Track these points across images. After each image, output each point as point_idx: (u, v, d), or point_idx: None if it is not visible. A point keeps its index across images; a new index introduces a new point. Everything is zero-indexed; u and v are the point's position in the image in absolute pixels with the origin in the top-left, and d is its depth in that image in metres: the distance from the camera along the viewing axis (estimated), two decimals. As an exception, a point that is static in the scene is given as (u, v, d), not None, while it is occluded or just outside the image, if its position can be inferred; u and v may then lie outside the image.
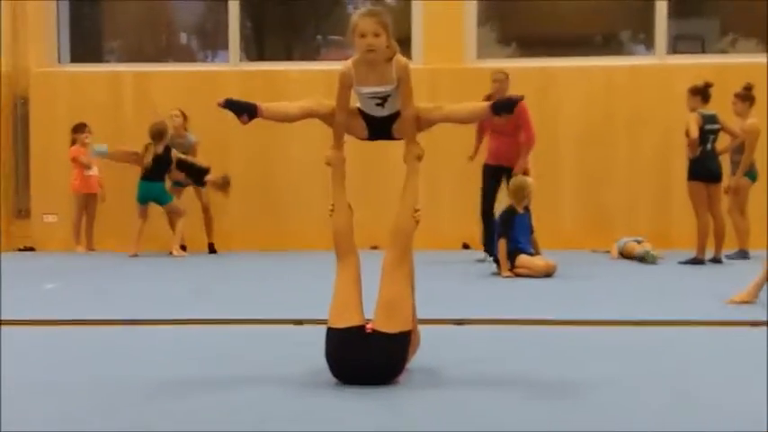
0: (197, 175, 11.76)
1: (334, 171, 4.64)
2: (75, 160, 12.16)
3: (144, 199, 11.68)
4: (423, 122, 4.66)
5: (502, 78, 10.14)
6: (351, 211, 4.59)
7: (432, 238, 10.42)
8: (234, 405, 3.95)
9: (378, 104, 4.56)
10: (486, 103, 4.71)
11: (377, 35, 4.36)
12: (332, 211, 4.57)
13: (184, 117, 12.07)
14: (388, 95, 4.54)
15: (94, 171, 12.26)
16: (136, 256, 11.35)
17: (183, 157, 11.75)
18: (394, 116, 4.61)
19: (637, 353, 5.15)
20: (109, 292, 8.15)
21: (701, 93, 10.13)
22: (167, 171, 11.68)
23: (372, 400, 4.01)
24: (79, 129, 12.18)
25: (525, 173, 9.87)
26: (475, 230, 10.30)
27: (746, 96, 10.43)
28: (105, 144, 11.80)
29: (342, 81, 4.54)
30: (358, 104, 4.65)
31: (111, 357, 5.11)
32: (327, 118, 4.66)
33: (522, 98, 4.60)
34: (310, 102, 4.72)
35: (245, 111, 4.61)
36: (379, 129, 4.65)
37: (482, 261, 10.07)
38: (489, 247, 9.95)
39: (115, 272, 9.95)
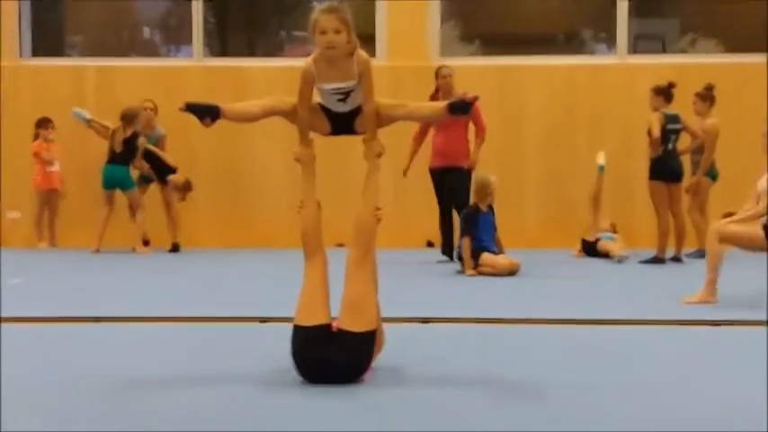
0: (161, 170, 11.73)
1: (303, 168, 4.65)
2: (37, 155, 12.09)
3: (109, 183, 11.62)
4: (383, 119, 4.70)
5: (446, 74, 10.20)
6: (319, 208, 4.61)
7: (396, 237, 10.50)
8: (198, 404, 3.96)
9: (340, 100, 4.58)
10: (444, 103, 4.73)
11: (337, 32, 4.37)
12: (300, 208, 4.59)
13: (155, 109, 12.03)
14: (351, 91, 4.56)
15: (56, 167, 12.19)
16: (98, 251, 11.31)
17: (151, 148, 11.72)
18: (356, 111, 4.64)
19: (597, 352, 5.21)
20: (71, 288, 8.11)
21: (664, 92, 10.25)
22: (132, 156, 11.63)
23: (338, 399, 4.04)
24: (42, 124, 12.11)
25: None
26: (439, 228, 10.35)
27: (707, 96, 10.56)
28: (86, 110, 11.80)
29: (304, 78, 4.55)
30: (319, 100, 4.67)
31: (75, 355, 5.10)
32: (290, 115, 4.68)
33: (476, 98, 4.63)
34: (272, 100, 4.73)
35: (207, 113, 4.57)
36: (342, 124, 4.68)
37: (442, 262, 10.11)
38: (447, 249, 10.12)
39: (76, 268, 9.91)
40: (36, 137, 12.15)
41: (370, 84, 4.57)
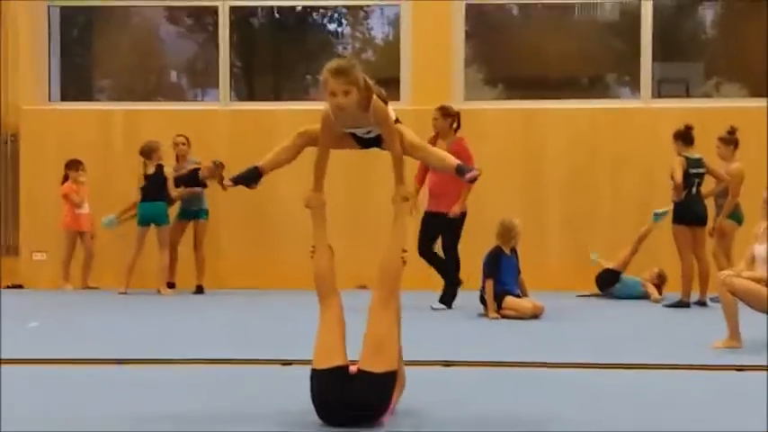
0: (192, 179, 11.82)
1: (314, 213, 4.73)
2: (66, 197, 12.20)
3: (144, 220, 11.70)
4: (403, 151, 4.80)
5: (434, 116, 10.10)
6: (331, 252, 4.66)
7: (420, 279, 10.50)
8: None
9: (364, 134, 4.71)
10: (455, 162, 4.81)
11: (347, 93, 4.45)
12: (312, 253, 4.63)
13: (187, 143, 12.16)
14: (370, 130, 4.68)
15: (86, 209, 12.27)
16: (125, 293, 11.37)
17: (174, 172, 11.84)
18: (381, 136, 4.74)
19: (623, 396, 5.21)
20: (92, 330, 8.17)
21: (683, 136, 10.28)
22: (165, 190, 11.73)
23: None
24: (72, 165, 12.21)
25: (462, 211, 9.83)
26: (464, 270, 10.30)
27: (730, 140, 10.56)
28: (111, 214, 11.93)
29: (324, 122, 4.64)
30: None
31: (95, 396, 5.14)
32: (316, 140, 4.76)
33: (477, 176, 4.72)
34: (295, 137, 4.82)
35: (251, 179, 4.76)
36: (370, 142, 4.80)
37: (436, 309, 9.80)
38: (449, 290, 9.90)
39: (100, 310, 9.96)
40: (66, 178, 12.27)
41: (390, 130, 4.65)
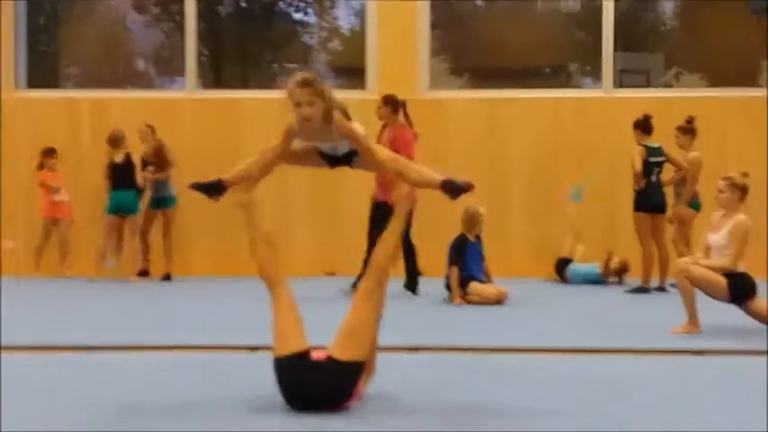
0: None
1: (247, 212, 4.74)
2: (42, 184, 12.15)
3: (116, 208, 11.73)
4: (376, 167, 4.92)
5: (378, 105, 10.03)
6: (271, 242, 4.71)
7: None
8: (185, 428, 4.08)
9: (330, 150, 4.80)
10: (437, 178, 4.85)
11: (311, 104, 4.54)
12: (252, 249, 4.69)
13: (153, 131, 12.20)
14: (336, 146, 4.78)
15: (64, 196, 12.22)
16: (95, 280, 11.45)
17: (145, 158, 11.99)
18: (351, 153, 4.82)
19: (584, 381, 5.33)
20: (61, 317, 8.23)
21: (642, 126, 10.49)
22: (133, 178, 11.77)
23: (322, 426, 4.15)
24: (48, 153, 12.21)
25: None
26: (428, 257, 10.44)
27: (688, 129, 10.75)
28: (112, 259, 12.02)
29: (287, 134, 4.73)
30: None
31: (65, 383, 5.21)
32: (281, 156, 4.84)
33: (471, 187, 4.80)
34: (265, 151, 4.87)
35: (213, 191, 4.84)
36: (338, 160, 4.89)
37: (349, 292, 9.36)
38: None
39: (69, 297, 10.01)
40: (41, 166, 12.25)
41: (361, 141, 4.76)
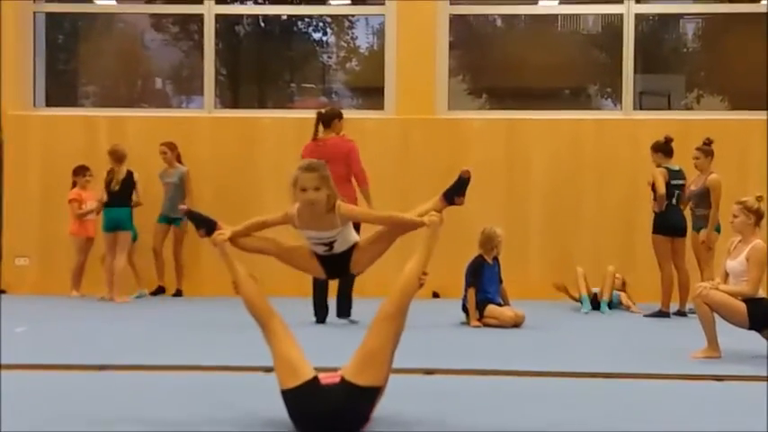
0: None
1: (222, 252, 4.78)
2: (74, 203, 12.04)
3: (112, 225, 11.63)
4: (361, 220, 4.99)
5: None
6: (254, 278, 4.71)
7: (380, 285, 10.52)
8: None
9: (325, 247, 4.76)
10: (436, 199, 4.88)
11: (317, 189, 4.58)
12: (236, 287, 4.67)
13: (171, 150, 12.19)
14: (334, 241, 4.75)
15: (92, 216, 12.13)
16: (110, 299, 11.39)
17: (162, 178, 12.05)
18: (349, 251, 4.80)
19: (603, 405, 5.27)
20: (73, 336, 8.19)
21: (662, 148, 10.40)
22: (130, 195, 11.75)
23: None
24: (80, 171, 12.15)
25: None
26: (445, 278, 10.35)
27: (707, 151, 10.64)
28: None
29: (284, 219, 4.79)
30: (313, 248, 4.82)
31: (78, 401, 5.17)
32: (280, 223, 4.87)
33: (466, 173, 4.89)
34: (277, 214, 4.90)
35: (203, 225, 4.82)
36: (336, 266, 4.85)
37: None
38: (319, 310, 9.17)
39: (81, 315, 9.98)
40: (74, 185, 12.19)
41: (368, 213, 4.86)
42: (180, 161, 12.28)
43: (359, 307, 8.88)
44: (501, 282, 9.57)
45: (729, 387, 5.95)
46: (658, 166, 10.35)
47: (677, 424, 4.76)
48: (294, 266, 4.90)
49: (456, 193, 4.78)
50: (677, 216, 10.37)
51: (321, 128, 9.18)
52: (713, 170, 10.60)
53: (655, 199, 10.32)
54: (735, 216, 7.36)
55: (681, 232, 10.41)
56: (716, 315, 7.05)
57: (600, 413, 5.01)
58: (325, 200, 4.60)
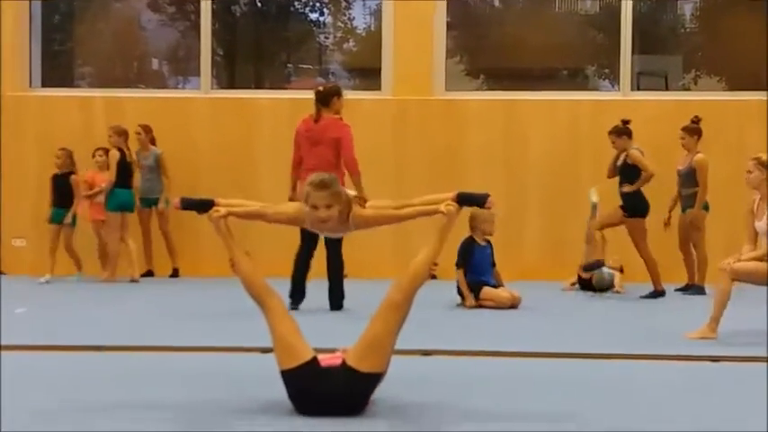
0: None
1: (218, 229, 4.74)
2: (84, 183, 11.86)
3: (120, 206, 11.65)
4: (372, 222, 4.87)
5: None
6: (250, 256, 4.71)
7: (400, 267, 10.54)
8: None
9: (333, 236, 4.85)
10: (449, 195, 4.78)
11: (328, 206, 4.56)
12: (233, 265, 4.64)
13: (146, 132, 12.17)
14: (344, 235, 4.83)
15: (100, 198, 11.96)
16: (114, 281, 11.43)
17: (137, 160, 12.01)
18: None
19: (600, 386, 5.27)
20: (73, 317, 8.21)
21: (626, 131, 10.44)
22: (132, 176, 11.78)
23: (330, 426, 4.10)
24: (95, 154, 12.02)
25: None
26: (442, 260, 10.31)
27: (694, 130, 10.64)
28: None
29: (293, 219, 4.86)
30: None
31: (79, 382, 5.18)
32: (273, 221, 5.00)
33: (486, 199, 4.80)
34: (264, 206, 5.01)
35: (202, 207, 4.83)
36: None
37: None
38: (295, 293, 8.68)
39: (83, 297, 9.99)
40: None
41: (390, 215, 4.86)
42: (154, 143, 12.26)
43: (350, 288, 8.85)
44: (494, 265, 9.55)
45: (726, 369, 5.96)
46: (623, 150, 10.36)
47: (675, 406, 4.77)
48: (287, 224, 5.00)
49: (469, 201, 4.75)
50: (644, 197, 10.38)
51: (319, 106, 8.78)
52: (700, 150, 10.60)
53: (630, 181, 10.28)
54: (749, 171, 7.41)
55: (647, 212, 10.44)
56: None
57: (597, 394, 5.02)
58: (336, 216, 4.58)
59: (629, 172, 10.36)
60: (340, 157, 8.56)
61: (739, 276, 7.03)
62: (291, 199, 8.04)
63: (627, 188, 10.32)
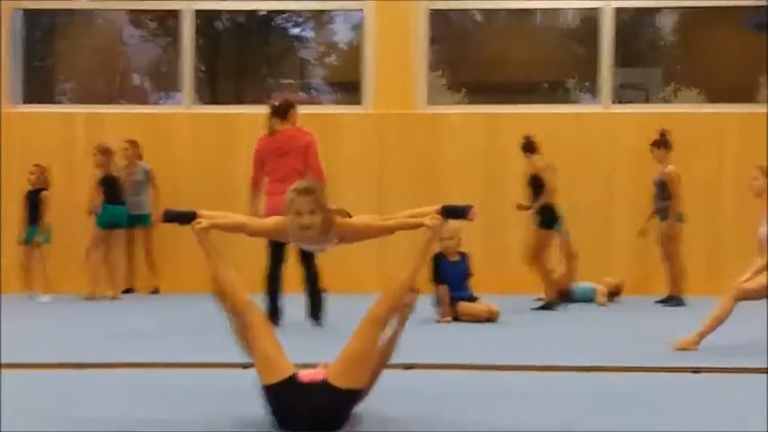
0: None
1: (200, 240, 4.70)
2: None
3: (108, 222, 11.63)
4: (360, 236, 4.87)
5: None
6: (232, 267, 4.67)
7: (382, 280, 10.54)
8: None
9: (315, 250, 4.83)
10: (433, 208, 4.75)
11: (312, 212, 4.56)
12: (213, 278, 4.63)
13: (133, 147, 12.15)
14: (326, 247, 4.84)
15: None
16: (119, 298, 11.40)
17: (125, 176, 11.99)
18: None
19: (583, 399, 5.27)
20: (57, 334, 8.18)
21: (531, 146, 10.67)
22: (122, 192, 11.77)
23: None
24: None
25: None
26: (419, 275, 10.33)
27: (662, 142, 10.75)
28: None
29: (274, 232, 4.87)
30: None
31: (63, 399, 5.16)
32: (254, 234, 4.98)
33: (472, 207, 4.75)
34: (252, 221, 5.06)
35: (185, 219, 4.81)
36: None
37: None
38: (274, 310, 8.53)
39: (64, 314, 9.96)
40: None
41: (371, 226, 4.82)
42: (140, 158, 12.25)
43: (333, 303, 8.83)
44: (467, 277, 9.42)
45: (707, 380, 5.98)
46: (537, 163, 10.55)
47: (657, 416, 4.78)
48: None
49: (453, 214, 4.74)
50: (554, 209, 10.43)
51: (276, 120, 8.78)
52: (672, 161, 10.68)
53: (538, 195, 10.38)
54: (755, 178, 7.46)
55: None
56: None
57: (580, 407, 5.02)
58: (319, 224, 4.57)
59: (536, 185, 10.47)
60: (307, 166, 8.54)
61: (748, 296, 7.01)
62: (252, 215, 7.96)
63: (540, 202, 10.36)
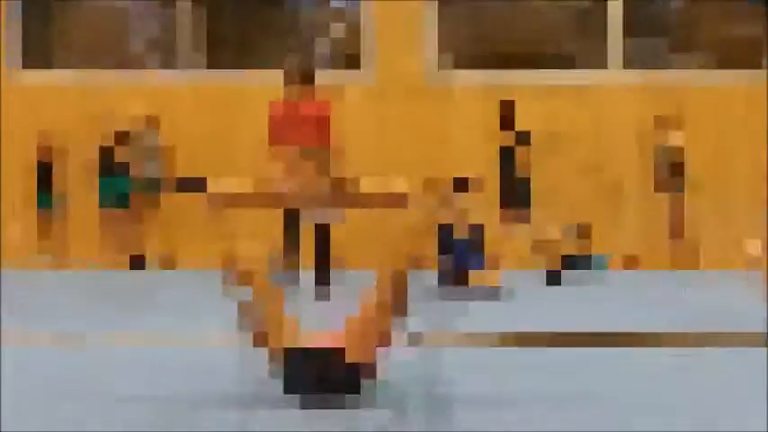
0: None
1: (216, 212, 4.63)
2: None
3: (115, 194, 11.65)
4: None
5: None
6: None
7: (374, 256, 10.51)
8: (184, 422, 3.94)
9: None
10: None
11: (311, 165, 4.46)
12: (227, 247, 4.56)
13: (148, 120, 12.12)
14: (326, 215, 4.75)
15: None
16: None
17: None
18: None
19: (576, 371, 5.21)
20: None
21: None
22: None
23: (315, 414, 4.02)
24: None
25: None
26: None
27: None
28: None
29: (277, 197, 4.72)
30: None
31: (73, 373, 5.09)
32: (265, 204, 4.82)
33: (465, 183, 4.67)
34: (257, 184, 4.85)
35: (197, 188, 4.70)
36: None
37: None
38: None
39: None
40: None
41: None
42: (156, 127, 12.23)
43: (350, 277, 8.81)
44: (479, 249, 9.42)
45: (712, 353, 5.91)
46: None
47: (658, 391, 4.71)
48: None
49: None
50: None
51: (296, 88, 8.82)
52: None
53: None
54: None
55: None
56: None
57: (572, 378, 4.95)
58: (316, 166, 4.48)
59: None
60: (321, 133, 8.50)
61: None
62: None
63: None
